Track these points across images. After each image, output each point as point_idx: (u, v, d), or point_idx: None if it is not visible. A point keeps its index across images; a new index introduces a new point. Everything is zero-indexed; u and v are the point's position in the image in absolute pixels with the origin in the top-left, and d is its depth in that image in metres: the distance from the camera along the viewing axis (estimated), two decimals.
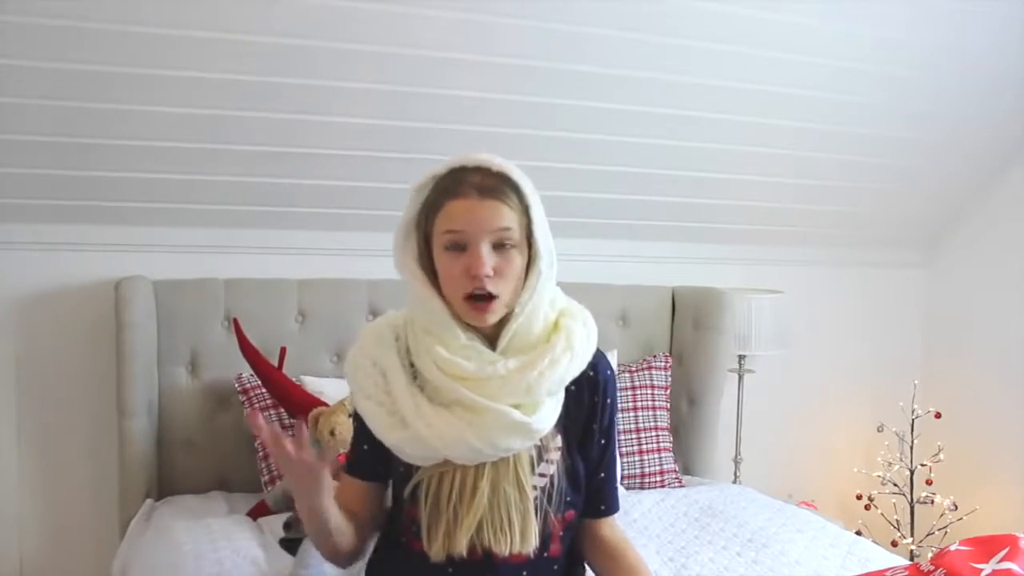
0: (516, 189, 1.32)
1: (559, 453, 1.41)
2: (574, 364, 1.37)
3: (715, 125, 2.65)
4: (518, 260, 1.32)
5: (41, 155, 2.22)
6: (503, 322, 1.35)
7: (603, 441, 1.47)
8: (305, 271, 2.57)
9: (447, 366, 1.32)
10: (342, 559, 1.42)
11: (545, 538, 1.39)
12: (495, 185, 1.31)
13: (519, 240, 1.32)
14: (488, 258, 1.29)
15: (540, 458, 1.38)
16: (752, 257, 3.18)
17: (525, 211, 1.32)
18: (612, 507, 1.50)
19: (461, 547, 1.32)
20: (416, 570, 1.39)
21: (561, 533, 1.42)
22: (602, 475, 1.48)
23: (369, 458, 1.41)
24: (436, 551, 1.33)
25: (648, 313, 2.92)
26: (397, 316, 1.43)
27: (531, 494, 1.35)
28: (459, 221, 1.30)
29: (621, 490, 2.51)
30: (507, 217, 1.30)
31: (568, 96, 2.43)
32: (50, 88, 2.06)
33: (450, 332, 1.33)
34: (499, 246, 1.31)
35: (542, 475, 1.38)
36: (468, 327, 1.35)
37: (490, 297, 1.30)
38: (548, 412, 1.35)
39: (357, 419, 1.42)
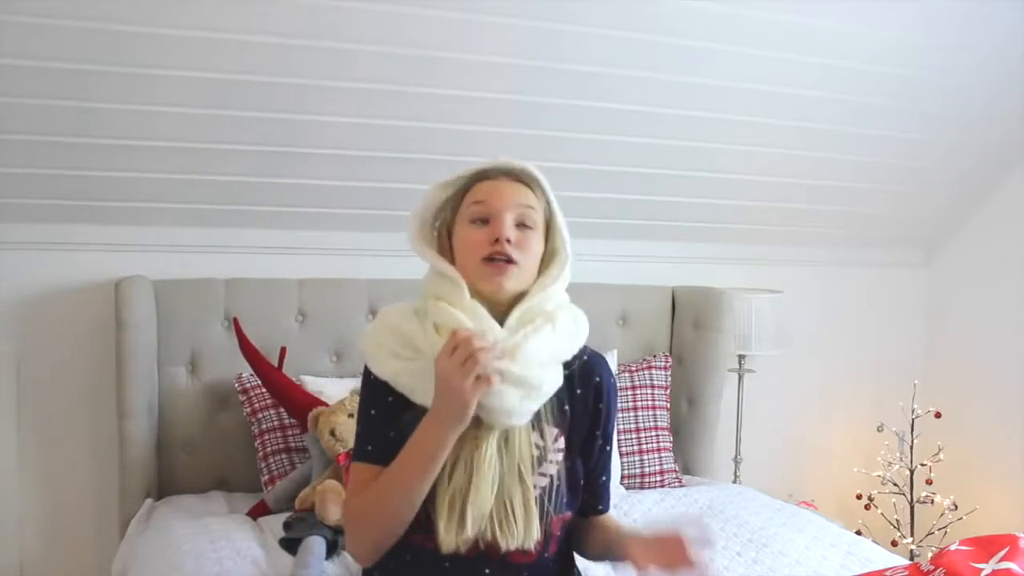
0: (539, 184, 1.41)
1: (561, 455, 1.42)
2: (557, 339, 1.38)
3: (715, 125, 2.65)
4: (536, 240, 1.39)
5: (41, 155, 2.22)
6: (510, 304, 1.37)
7: (607, 447, 1.50)
8: (305, 271, 2.57)
9: (449, 320, 1.32)
10: (381, 548, 1.38)
11: (547, 538, 1.40)
12: (521, 175, 1.41)
13: (539, 225, 1.39)
14: (510, 228, 1.36)
15: (543, 458, 1.39)
16: (752, 257, 3.18)
17: (547, 204, 1.41)
18: (607, 506, 1.54)
19: (468, 534, 1.32)
20: (416, 564, 1.39)
21: (558, 534, 1.43)
22: (604, 478, 1.51)
23: (395, 445, 1.35)
24: (448, 542, 1.32)
25: (648, 313, 2.92)
26: (411, 303, 1.44)
27: (533, 491, 1.36)
28: (485, 195, 1.38)
29: (621, 490, 2.54)
30: (531, 198, 1.39)
31: (568, 96, 2.43)
32: (50, 88, 2.06)
33: (459, 292, 1.35)
34: (520, 224, 1.37)
35: (543, 474, 1.39)
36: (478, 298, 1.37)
37: (509, 261, 1.35)
38: (552, 376, 1.36)
39: (378, 405, 1.39)
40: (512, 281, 1.35)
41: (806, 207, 3.10)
